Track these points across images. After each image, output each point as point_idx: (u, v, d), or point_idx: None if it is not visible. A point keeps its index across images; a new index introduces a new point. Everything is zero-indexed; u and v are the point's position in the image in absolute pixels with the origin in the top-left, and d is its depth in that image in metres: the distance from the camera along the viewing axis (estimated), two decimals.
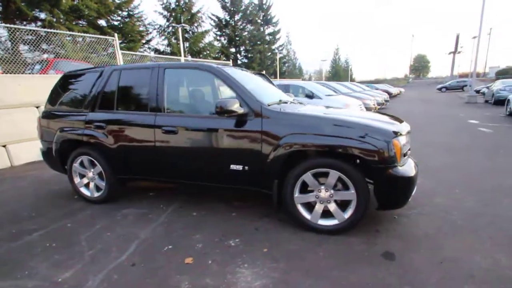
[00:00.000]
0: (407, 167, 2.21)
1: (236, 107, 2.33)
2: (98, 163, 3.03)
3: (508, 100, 9.13)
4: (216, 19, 27.80)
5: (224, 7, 28.28)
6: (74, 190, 3.31)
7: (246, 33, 29.59)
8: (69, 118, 3.16)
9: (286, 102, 2.88)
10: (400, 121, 2.58)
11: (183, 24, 19.47)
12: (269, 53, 31.57)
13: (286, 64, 37.62)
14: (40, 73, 6.63)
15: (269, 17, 31.36)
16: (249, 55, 29.93)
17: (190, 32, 23.18)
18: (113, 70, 3.01)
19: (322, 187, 2.29)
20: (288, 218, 2.55)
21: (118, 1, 17.07)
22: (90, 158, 3.06)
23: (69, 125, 3.14)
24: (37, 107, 5.53)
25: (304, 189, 2.38)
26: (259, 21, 30.70)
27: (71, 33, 6.87)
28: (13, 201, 3.44)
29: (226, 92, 2.91)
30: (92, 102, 3.03)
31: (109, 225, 2.69)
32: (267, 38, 31.49)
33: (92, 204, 3.18)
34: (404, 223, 2.49)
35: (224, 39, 29.30)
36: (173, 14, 21.99)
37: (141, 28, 19.62)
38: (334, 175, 2.21)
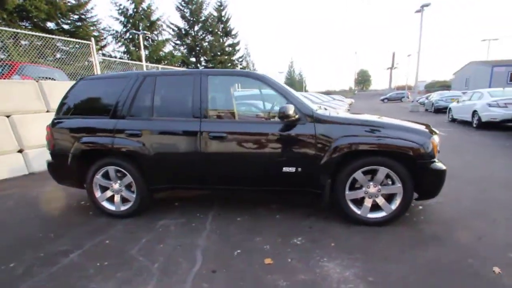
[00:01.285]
0: (440, 162, 2.59)
1: (293, 112, 2.48)
2: (129, 174, 2.84)
3: (450, 108, 10.87)
4: (176, 28, 27.29)
5: (183, 17, 27.90)
6: (94, 205, 3.02)
7: (206, 43, 29.58)
8: (92, 126, 2.90)
9: (322, 108, 3.11)
10: (424, 124, 2.99)
11: (145, 32, 18.70)
12: (229, 64, 31.95)
13: None
14: (1, 78, 5.80)
15: (228, 29, 31.82)
16: (210, 65, 29.87)
17: (150, 39, 22.32)
18: (146, 76, 2.89)
19: (371, 183, 2.55)
20: (334, 215, 2.75)
21: (70, 4, 15.76)
22: (119, 168, 2.85)
23: (92, 134, 2.89)
24: (7, 116, 4.84)
25: (352, 186, 2.61)
26: (219, 32, 31.01)
27: (45, 35, 6.15)
28: (13, 223, 2.99)
29: (269, 98, 3.02)
30: (122, 109, 2.85)
31: (155, 237, 2.54)
32: (227, 49, 31.87)
33: (117, 219, 2.94)
34: (431, 212, 2.87)
35: (184, 48, 28.83)
36: (131, 20, 20.97)
37: (95, 33, 18.29)
38: (383, 171, 2.49)
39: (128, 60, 20.25)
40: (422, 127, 2.63)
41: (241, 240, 2.44)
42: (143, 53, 18.47)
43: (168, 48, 24.21)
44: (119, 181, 2.91)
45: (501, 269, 1.88)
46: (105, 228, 2.76)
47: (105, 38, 19.87)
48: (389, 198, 2.59)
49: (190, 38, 28.53)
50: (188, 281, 1.90)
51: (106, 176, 2.93)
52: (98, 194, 2.97)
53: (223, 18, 32.17)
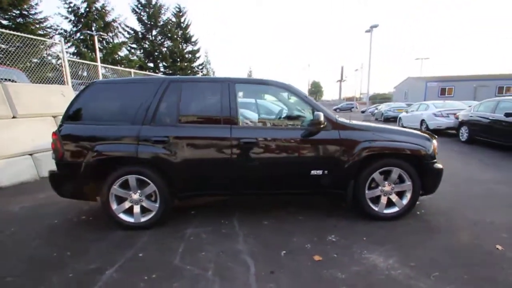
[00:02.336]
0: (439, 163, 3.05)
1: (323, 119, 2.70)
2: (152, 182, 2.73)
3: (400, 117, 12.41)
4: (132, 31, 25.91)
5: (140, 20, 26.65)
6: (109, 218, 2.80)
7: (165, 49, 28.67)
8: (112, 133, 2.72)
9: None
10: (420, 130, 3.46)
11: (101, 33, 17.40)
12: (189, 71, 31.37)
13: None
14: None
15: (188, 35, 31.36)
16: (169, 72, 28.95)
17: (104, 41, 20.81)
18: (171, 82, 2.83)
19: (386, 182, 2.89)
20: (351, 213, 3.02)
21: None
22: (141, 177, 2.72)
23: (112, 142, 2.71)
24: None
25: (368, 186, 2.92)
26: (178, 38, 30.35)
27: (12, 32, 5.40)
28: (13, 245, 2.61)
29: (290, 105, 3.19)
30: (145, 115, 2.74)
31: (190, 246, 2.49)
32: (187, 56, 31.30)
33: (137, 230, 2.78)
34: (427, 206, 3.33)
35: (141, 52, 27.48)
36: (83, 20, 19.33)
37: (40, 32, 16.46)
38: (396, 171, 2.85)
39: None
40: (425, 134, 3.07)
41: (279, 241, 2.54)
42: (98, 55, 17.13)
43: (124, 51, 22.88)
44: (139, 191, 2.77)
45: (502, 247, 2.33)
46: (129, 241, 2.59)
47: (51, 37, 17.92)
48: (400, 195, 2.96)
49: (147, 43, 27.37)
50: (253, 284, 1.94)
51: (123, 186, 2.76)
52: (114, 206, 2.78)
53: (182, 24, 31.58)
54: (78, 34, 19.55)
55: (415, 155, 2.83)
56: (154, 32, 27.98)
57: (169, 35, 28.76)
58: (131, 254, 2.36)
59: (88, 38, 19.13)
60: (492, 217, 2.93)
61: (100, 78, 6.03)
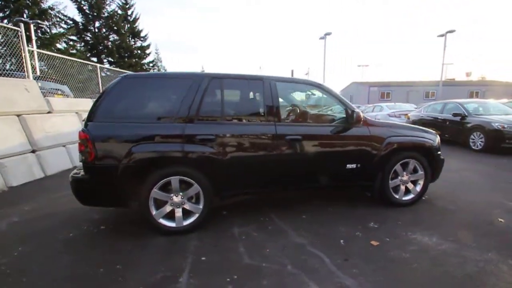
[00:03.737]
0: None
1: (362, 116, 2.94)
2: (197, 183, 2.60)
3: None
4: (71, 22, 22.95)
5: (81, 9, 23.78)
6: (149, 224, 2.58)
7: (110, 43, 26.17)
8: (155, 132, 2.50)
9: None
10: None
11: (38, 21, 15.03)
12: (139, 68, 29.24)
13: None
14: None
15: (136, 29, 29.20)
16: (115, 67, 26.52)
17: (39, 32, 18.05)
18: (213, 78, 2.73)
19: (404, 172, 3.27)
20: (371, 202, 3.33)
21: None
22: (185, 178, 2.57)
23: (156, 141, 2.49)
24: None
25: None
26: (125, 32, 28.03)
27: None
28: (41, 264, 2.19)
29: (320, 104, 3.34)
30: (189, 113, 2.59)
31: (248, 245, 2.46)
32: (136, 52, 29.10)
33: (177, 235, 2.61)
34: (431, 192, 3.82)
35: (82, 46, 24.55)
36: (12, 6, 16.46)
37: None
38: (413, 163, 3.25)
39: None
40: (431, 130, 3.56)
41: (330, 232, 2.68)
42: (35, 45, 14.83)
43: (63, 43, 20.19)
44: (181, 193, 2.61)
45: (503, 219, 2.88)
46: (178, 246, 2.43)
47: None
48: (413, 183, 3.37)
49: (90, 35, 24.68)
50: (337, 271, 2.05)
51: (163, 188, 2.57)
52: (154, 211, 2.56)
53: (129, 18, 29.30)
54: (6, 21, 16.58)
55: (428, 148, 3.28)
56: (97, 24, 25.37)
57: (115, 28, 26.42)
58: (193, 259, 2.23)
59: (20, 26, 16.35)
60: (479, 198, 3.55)
61: (30, 70, 5.20)
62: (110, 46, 25.73)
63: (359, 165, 3.06)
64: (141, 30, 29.99)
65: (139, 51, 29.98)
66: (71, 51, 21.99)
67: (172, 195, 2.59)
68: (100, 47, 25.25)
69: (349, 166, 3.03)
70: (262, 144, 2.76)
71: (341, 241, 2.51)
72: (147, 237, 2.59)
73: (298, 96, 3.45)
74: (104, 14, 25.43)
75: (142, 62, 29.96)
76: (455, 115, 7.40)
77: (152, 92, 2.66)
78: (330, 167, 3.02)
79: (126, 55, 27.96)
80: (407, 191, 3.32)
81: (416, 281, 1.93)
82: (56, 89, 6.77)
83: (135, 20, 29.62)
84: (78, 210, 3.28)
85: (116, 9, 26.43)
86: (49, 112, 5.39)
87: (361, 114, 2.91)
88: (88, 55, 24.61)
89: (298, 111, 3.35)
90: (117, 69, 9.32)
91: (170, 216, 2.63)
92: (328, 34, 18.83)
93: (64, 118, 5.71)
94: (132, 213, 3.15)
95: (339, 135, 2.99)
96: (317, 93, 3.09)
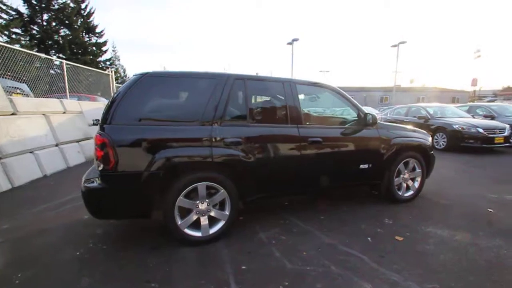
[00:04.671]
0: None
1: (376, 119, 3.09)
2: (224, 188, 2.49)
3: None
4: (15, 13, 20.25)
5: (26, 0, 21.19)
6: (175, 235, 2.38)
7: (61, 38, 23.71)
8: (182, 135, 2.32)
9: None
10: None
11: None
12: (95, 67, 26.96)
13: (117, 81, 33.46)
14: None
15: (91, 25, 26.91)
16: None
17: None
18: (236, 79, 2.63)
19: (406, 171, 3.52)
20: (375, 199, 3.53)
21: None
22: (212, 183, 2.44)
23: (182, 145, 2.31)
24: None
25: None
26: (78, 27, 25.64)
27: None
28: (61, 283, 1.88)
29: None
30: (215, 115, 2.46)
31: (281, 249, 2.41)
32: (91, 49, 26.79)
33: (202, 245, 2.46)
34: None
35: (27, 40, 21.83)
36: None
37: None
38: (413, 162, 3.52)
39: None
40: (424, 131, 3.88)
41: (352, 230, 2.76)
42: None
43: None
44: (207, 200, 2.47)
45: (491, 209, 3.26)
46: (206, 256, 2.30)
47: None
48: (412, 180, 3.65)
49: (37, 28, 22.14)
50: (380, 268, 2.11)
51: (188, 195, 2.41)
52: (179, 220, 2.38)
53: (83, 11, 27.01)
54: None
55: (425, 148, 3.58)
56: (45, 17, 22.89)
57: (67, 22, 24.12)
58: (232, 269, 2.12)
59: None
60: (464, 192, 3.97)
61: None
62: (61, 41, 23.37)
63: (370, 165, 3.20)
64: (97, 26, 27.81)
65: (94, 48, 27.76)
66: (14, 46, 19.50)
67: (197, 202, 2.44)
68: (49, 42, 22.80)
69: (362, 166, 3.16)
70: (286, 147, 2.74)
71: (368, 238, 2.60)
72: (169, 249, 2.39)
73: (310, 99, 3.50)
74: (54, 6, 23.06)
75: (98, 60, 27.76)
76: (419, 117, 8.19)
77: (176, 91, 2.49)
78: (346, 168, 3.12)
79: (80, 51, 25.68)
80: (407, 188, 3.58)
81: (450, 271, 2.08)
82: (14, 88, 5.92)
83: (90, 14, 27.38)
84: (72, 225, 2.93)
85: (68, 1, 24.14)
86: (13, 114, 4.69)
87: (376, 118, 3.06)
88: (35, 50, 22.04)
89: (315, 113, 3.41)
90: (86, 67, 8.41)
91: (195, 225, 2.47)
92: (296, 40, 19.51)
93: (30, 121, 5.01)
94: (139, 224, 2.91)
95: (353, 137, 3.10)
96: (330, 96, 3.17)
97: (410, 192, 3.59)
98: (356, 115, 3.20)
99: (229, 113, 2.55)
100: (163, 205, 2.31)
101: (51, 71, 7.70)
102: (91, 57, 26.63)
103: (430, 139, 3.73)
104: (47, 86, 6.71)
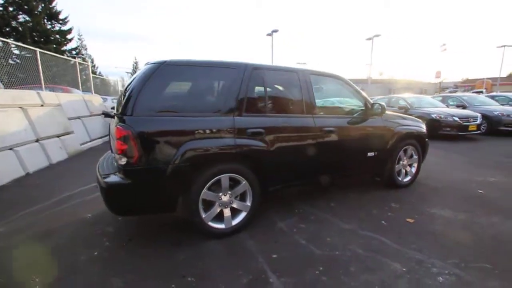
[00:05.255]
0: None
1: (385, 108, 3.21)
2: (246, 180, 2.47)
3: None
4: None
5: None
6: (199, 228, 2.33)
7: (19, 25, 21.57)
8: (204, 125, 2.24)
9: None
10: None
11: None
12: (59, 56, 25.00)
13: (84, 72, 31.28)
14: None
15: (54, 10, 24.74)
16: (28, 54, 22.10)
17: None
18: (254, 68, 2.58)
19: (404, 157, 3.72)
20: (380, 185, 3.70)
21: None
22: (235, 175, 2.41)
23: (206, 136, 2.24)
24: None
25: None
26: (37, 12, 23.46)
27: None
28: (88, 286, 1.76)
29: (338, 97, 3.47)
30: (236, 105, 2.41)
31: (307, 237, 2.46)
32: (54, 37, 24.70)
33: (223, 237, 2.44)
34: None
35: None
36: None
37: None
38: (411, 149, 3.73)
39: None
40: (419, 119, 4.10)
41: (366, 215, 2.88)
42: None
43: None
44: (229, 191, 2.44)
45: (482, 191, 3.57)
46: (237, 248, 2.30)
47: None
48: (410, 166, 3.87)
49: None
50: (402, 249, 2.24)
51: (210, 188, 2.36)
52: (203, 213, 2.33)
53: None
54: None
55: (422, 135, 3.79)
56: (1, 1, 20.71)
57: (26, 7, 22.03)
58: (264, 258, 2.13)
59: None
60: (452, 176, 4.28)
61: None
62: (20, 28, 21.34)
63: (376, 153, 3.34)
64: (60, 12, 25.74)
65: (58, 36, 25.70)
66: None
67: (220, 194, 2.40)
68: (7, 29, 20.69)
69: (369, 154, 3.29)
70: (303, 137, 2.77)
71: (382, 222, 2.74)
72: (193, 243, 2.35)
73: (320, 89, 3.52)
74: None
75: (62, 48, 25.76)
76: (400, 108, 8.62)
77: (197, 81, 2.39)
78: (356, 156, 3.23)
79: (42, 40, 23.64)
80: (406, 174, 3.79)
81: (464, 247, 2.26)
82: None
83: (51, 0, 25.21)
84: (78, 225, 2.77)
85: None
86: None
87: (385, 107, 3.19)
88: None
89: (325, 103, 3.46)
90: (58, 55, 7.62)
91: (218, 217, 2.44)
92: (275, 31, 19.46)
93: (7, 115, 4.56)
94: (149, 219, 2.81)
95: (362, 126, 3.21)
96: (338, 86, 3.24)
97: (408, 178, 3.81)
98: (363, 105, 3.30)
99: (249, 103, 2.51)
100: (187, 199, 2.25)
101: (10, 61, 7.00)
102: (54, 45, 24.62)
103: (424, 127, 3.96)
104: (6, 77, 6.10)
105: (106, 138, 8.36)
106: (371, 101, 3.30)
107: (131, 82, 2.40)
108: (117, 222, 2.80)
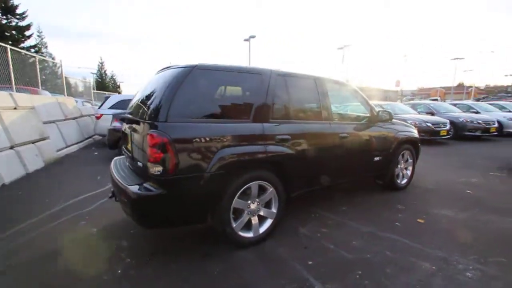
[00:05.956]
0: None
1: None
2: (273, 186, 2.46)
3: None
4: None
5: None
6: (228, 238, 2.26)
7: None
8: (237, 131, 2.20)
9: None
10: None
11: None
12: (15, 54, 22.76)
13: (45, 71, 28.78)
14: None
15: (10, 4, 22.52)
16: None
17: None
18: (278, 75, 2.59)
19: (402, 161, 3.96)
20: (381, 188, 3.90)
21: None
22: (264, 182, 2.39)
23: (239, 142, 2.19)
24: None
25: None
26: None
27: None
28: None
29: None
30: (264, 111, 2.40)
31: (333, 241, 2.51)
32: (11, 33, 22.44)
33: (253, 245, 2.40)
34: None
35: None
36: None
37: None
38: (408, 153, 3.98)
39: None
40: (413, 126, 4.39)
41: (378, 218, 3.00)
42: None
43: None
44: (257, 199, 2.41)
45: (470, 191, 3.91)
46: (269, 256, 2.27)
47: None
48: (406, 169, 4.12)
49: None
50: (424, 248, 2.37)
51: (241, 196, 2.32)
52: (233, 223, 2.27)
53: None
54: None
55: (416, 140, 4.07)
56: None
57: None
58: (301, 265, 2.13)
59: None
60: (440, 178, 4.63)
61: None
62: None
63: (381, 157, 3.52)
64: (17, 6, 23.59)
65: (14, 32, 23.50)
66: None
67: (249, 202, 2.36)
68: None
69: (375, 158, 3.45)
70: (323, 142, 2.84)
71: (396, 223, 2.88)
72: (222, 254, 2.27)
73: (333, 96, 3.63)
74: None
75: (20, 46, 23.53)
76: None
77: (226, 86, 2.34)
78: (365, 160, 3.37)
79: None
80: (403, 177, 4.04)
81: (476, 242, 2.45)
82: None
83: None
84: (86, 241, 2.59)
85: None
86: None
87: (392, 114, 3.38)
88: None
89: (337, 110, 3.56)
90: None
91: (246, 226, 2.39)
92: (252, 36, 19.66)
93: None
94: (164, 230, 2.66)
95: (369, 132, 3.37)
96: (347, 93, 3.37)
97: (405, 180, 4.05)
98: (369, 112, 3.46)
99: (275, 109, 2.51)
100: (219, 208, 2.17)
101: None
102: (11, 42, 22.42)
103: (417, 132, 4.26)
104: None
105: (82, 144, 7.77)
106: (377, 109, 3.48)
107: (155, 86, 2.29)
108: (130, 236, 2.61)
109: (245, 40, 20.11)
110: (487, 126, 8.73)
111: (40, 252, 2.31)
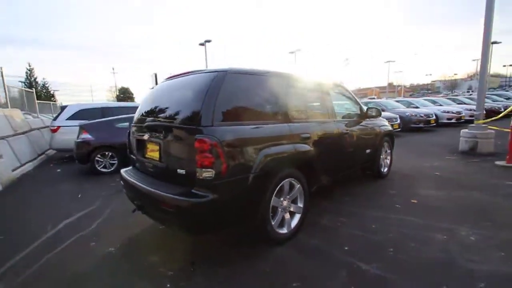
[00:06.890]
0: None
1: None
2: (300, 183, 2.60)
3: None
4: None
5: None
6: (266, 236, 2.33)
7: None
8: (273, 132, 2.32)
9: None
10: None
11: None
12: None
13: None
14: None
15: None
16: None
17: None
18: (292, 78, 2.76)
19: (383, 152, 4.46)
20: (370, 177, 4.34)
21: None
22: (293, 179, 2.52)
23: (275, 142, 2.29)
24: None
25: None
26: None
27: None
28: None
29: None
30: (289, 111, 2.54)
31: (355, 227, 2.75)
32: None
33: (288, 242, 2.52)
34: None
35: None
36: None
37: None
38: (386, 144, 4.50)
39: None
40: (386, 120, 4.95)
41: (381, 204, 3.36)
42: None
43: None
44: (287, 196, 2.53)
45: (437, 173, 4.58)
46: (307, 249, 2.40)
47: None
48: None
49: None
50: (429, 224, 2.75)
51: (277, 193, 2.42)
52: (272, 221, 2.35)
53: None
54: None
55: (392, 133, 4.63)
56: None
57: None
58: (341, 252, 2.31)
59: None
60: (409, 165, 5.30)
61: None
62: None
63: (371, 150, 3.94)
64: None
65: None
66: None
67: (282, 199, 2.46)
68: None
69: (367, 151, 3.85)
70: (333, 139, 3.10)
71: (397, 205, 3.27)
72: (260, 252, 2.33)
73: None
74: None
75: None
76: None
77: (256, 89, 2.39)
78: (360, 153, 3.73)
79: None
80: (384, 166, 4.55)
81: (473, 214, 2.92)
82: None
83: None
84: (109, 263, 2.37)
85: None
86: None
87: (380, 110, 3.80)
88: None
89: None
90: None
91: (280, 223, 2.48)
92: (208, 41, 19.50)
93: None
94: (186, 237, 2.61)
95: (363, 127, 3.74)
96: (341, 94, 3.72)
97: (386, 169, 4.56)
98: (359, 109, 3.84)
99: (295, 110, 2.67)
100: (260, 207, 2.23)
101: None
102: None
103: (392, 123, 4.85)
104: None
105: (36, 162, 6.83)
106: (365, 106, 3.88)
107: (181, 92, 2.26)
108: (155, 249, 2.48)
109: (200, 44, 19.86)
110: (428, 119, 10.19)
111: (63, 282, 2.06)
